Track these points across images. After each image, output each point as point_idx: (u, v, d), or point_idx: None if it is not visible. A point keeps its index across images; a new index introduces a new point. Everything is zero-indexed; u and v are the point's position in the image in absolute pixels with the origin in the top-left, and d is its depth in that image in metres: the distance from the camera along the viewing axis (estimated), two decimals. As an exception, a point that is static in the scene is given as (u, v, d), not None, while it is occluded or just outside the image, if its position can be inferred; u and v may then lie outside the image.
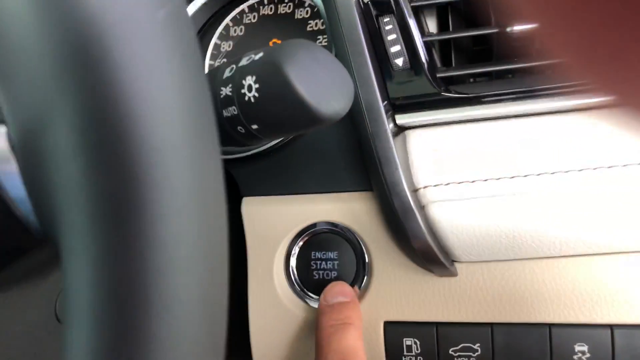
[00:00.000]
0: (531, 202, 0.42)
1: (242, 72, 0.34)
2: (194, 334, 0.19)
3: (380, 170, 0.45)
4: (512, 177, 0.42)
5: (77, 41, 0.19)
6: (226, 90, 0.35)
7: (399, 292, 0.48)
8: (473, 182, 0.43)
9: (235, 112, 0.35)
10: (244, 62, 0.35)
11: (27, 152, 0.20)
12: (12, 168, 0.21)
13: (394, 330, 0.48)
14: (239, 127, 0.36)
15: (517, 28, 0.44)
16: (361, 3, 0.48)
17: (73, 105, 0.19)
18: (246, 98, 0.34)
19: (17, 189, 0.22)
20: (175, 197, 0.19)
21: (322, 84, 0.33)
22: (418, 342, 0.47)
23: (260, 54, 0.34)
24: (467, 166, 0.43)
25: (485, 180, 0.42)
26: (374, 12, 0.48)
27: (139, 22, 0.19)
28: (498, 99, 0.44)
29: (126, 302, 0.19)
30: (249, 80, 0.33)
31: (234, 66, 0.35)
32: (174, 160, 0.19)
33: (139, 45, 0.19)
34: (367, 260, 0.50)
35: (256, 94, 0.33)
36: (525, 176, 0.42)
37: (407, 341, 0.47)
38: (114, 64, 0.19)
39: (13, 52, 0.20)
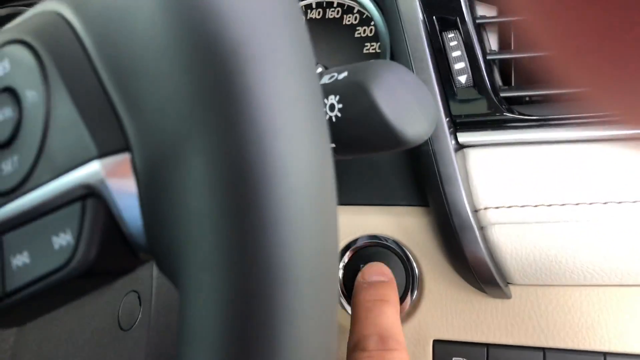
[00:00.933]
0: (595, 230, 0.41)
1: (325, 91, 0.34)
2: None
3: (442, 188, 0.44)
4: (577, 204, 0.42)
5: (217, 73, 0.18)
6: (303, 107, 0.35)
7: (450, 310, 0.48)
8: (536, 206, 0.42)
9: (314, 130, 0.34)
10: (325, 80, 0.34)
11: (151, 179, 0.20)
12: (130, 189, 0.21)
13: (444, 349, 0.47)
14: (314, 144, 0.35)
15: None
16: (426, 19, 0.47)
17: (210, 142, 0.18)
18: (327, 117, 0.33)
19: (130, 211, 0.21)
20: (309, 240, 0.19)
21: (408, 107, 0.32)
22: (468, 362, 0.47)
23: (345, 74, 0.33)
24: (530, 189, 0.43)
25: (549, 205, 0.42)
26: (437, 28, 0.47)
27: (279, 59, 0.19)
28: (564, 123, 0.43)
29: (251, 343, 0.18)
30: (332, 99, 0.33)
31: (314, 83, 0.35)
32: (306, 207, 0.19)
33: (280, 82, 0.19)
34: (417, 277, 0.50)
35: (338, 114, 0.33)
36: (591, 204, 0.41)
37: (456, 360, 0.47)
38: (255, 100, 0.18)
39: (146, 81, 0.19)
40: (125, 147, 0.20)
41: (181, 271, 0.20)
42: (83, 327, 0.35)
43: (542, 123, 0.44)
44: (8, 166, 0.22)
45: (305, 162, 0.19)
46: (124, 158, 0.20)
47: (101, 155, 0.20)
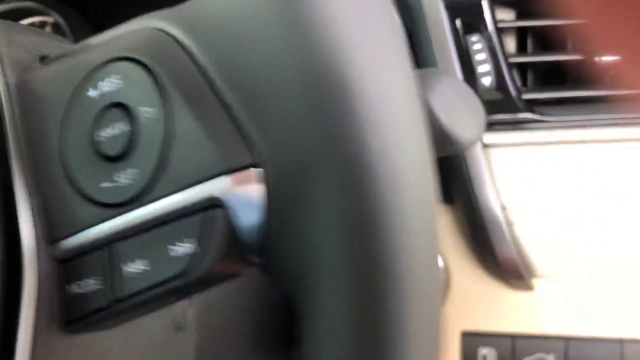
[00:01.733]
0: (619, 229, 0.44)
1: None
2: None
3: (470, 187, 0.46)
4: (600, 204, 0.44)
5: (349, 97, 0.20)
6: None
7: (477, 303, 0.50)
8: (560, 206, 0.45)
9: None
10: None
11: (279, 193, 0.21)
12: (256, 201, 0.21)
13: (471, 341, 0.50)
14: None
15: (608, 59, 0.45)
16: (450, 23, 0.49)
17: (345, 161, 0.19)
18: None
19: (251, 221, 0.22)
20: (425, 250, 0.21)
21: (460, 112, 0.34)
22: (495, 352, 0.49)
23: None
24: (554, 189, 0.45)
25: (573, 205, 0.44)
26: (460, 31, 0.49)
27: (400, 84, 0.21)
28: (586, 124, 0.45)
29: (379, 342, 0.20)
30: (386, 105, 0.34)
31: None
32: (423, 220, 0.21)
33: (403, 108, 0.20)
34: (443, 271, 0.52)
35: (393, 119, 0.34)
36: (614, 204, 0.44)
37: (483, 350, 0.49)
38: (383, 124, 0.20)
39: (275, 101, 0.20)
40: (254, 163, 0.21)
41: (304, 278, 0.21)
42: (143, 329, 0.36)
43: (566, 124, 0.46)
44: (122, 178, 0.23)
45: (423, 179, 0.21)
46: (253, 172, 0.21)
47: (230, 170, 0.21)
